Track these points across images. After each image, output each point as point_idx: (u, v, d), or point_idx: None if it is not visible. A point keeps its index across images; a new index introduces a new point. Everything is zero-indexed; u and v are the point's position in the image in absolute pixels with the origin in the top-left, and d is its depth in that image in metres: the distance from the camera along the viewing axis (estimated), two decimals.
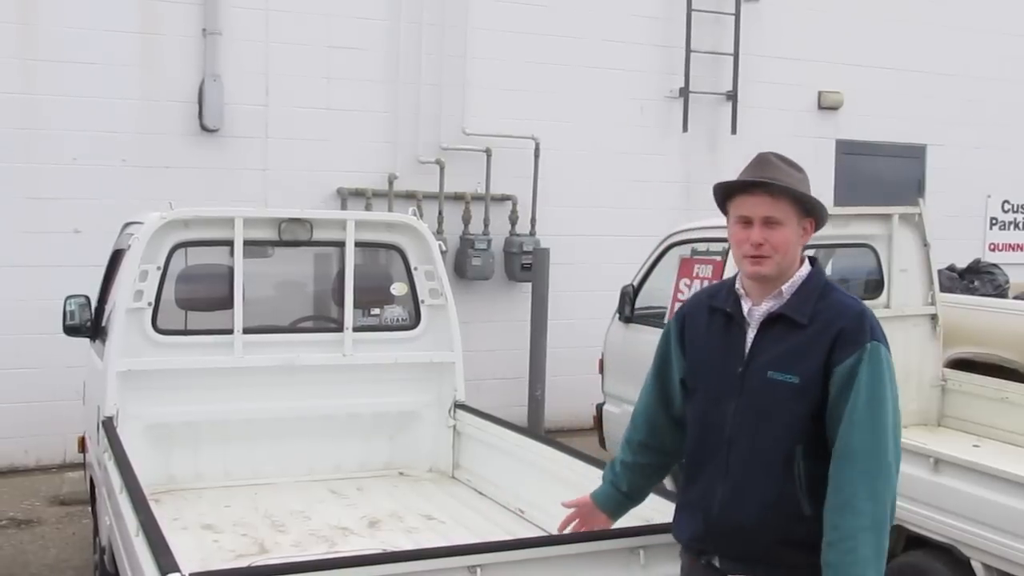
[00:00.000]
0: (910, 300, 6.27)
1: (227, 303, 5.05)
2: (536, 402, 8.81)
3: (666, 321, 6.41)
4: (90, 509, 5.80)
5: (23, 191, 8.13)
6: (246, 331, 5.06)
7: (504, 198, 9.55)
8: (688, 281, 6.34)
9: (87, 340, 5.70)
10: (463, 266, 9.28)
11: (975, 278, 8.63)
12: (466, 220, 9.33)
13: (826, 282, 2.83)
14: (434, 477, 5.31)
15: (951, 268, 8.71)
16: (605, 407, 7.17)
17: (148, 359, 4.91)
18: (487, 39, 9.46)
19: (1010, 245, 12.07)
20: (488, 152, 9.36)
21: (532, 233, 9.54)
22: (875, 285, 6.27)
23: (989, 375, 6.29)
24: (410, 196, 9.01)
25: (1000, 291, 8.44)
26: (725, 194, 2.85)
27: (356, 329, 5.26)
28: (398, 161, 9.21)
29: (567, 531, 3.22)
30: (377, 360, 5.29)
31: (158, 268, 4.90)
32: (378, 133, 9.18)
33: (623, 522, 3.22)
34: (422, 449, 5.38)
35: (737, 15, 10.35)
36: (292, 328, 5.54)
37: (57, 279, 7.44)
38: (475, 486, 5.12)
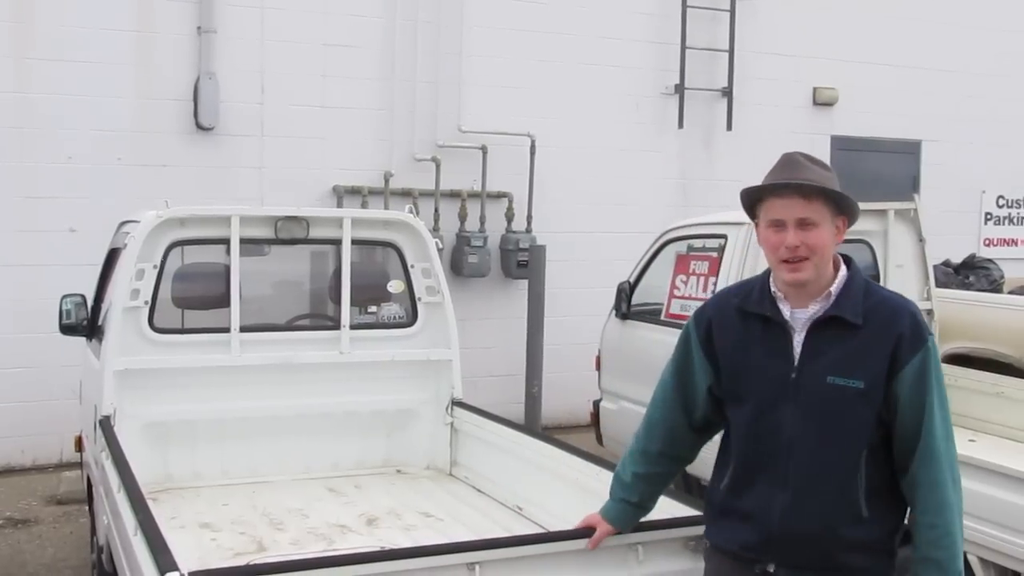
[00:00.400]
0: (906, 295, 6.26)
1: (224, 301, 5.04)
2: (533, 399, 8.81)
3: (663, 317, 6.45)
4: (87, 508, 5.80)
5: (18, 190, 8.12)
6: (243, 329, 5.05)
7: (500, 195, 9.55)
8: (684, 277, 6.35)
9: (83, 339, 5.70)
10: (459, 263, 9.28)
11: (970, 273, 8.66)
12: (462, 217, 9.33)
13: (865, 279, 2.82)
14: (432, 474, 5.31)
15: (946, 263, 8.73)
16: (602, 403, 7.18)
17: (145, 358, 4.90)
18: (483, 36, 9.46)
19: (1005, 240, 12.09)
20: (484, 149, 9.36)
21: (528, 230, 9.54)
22: None
23: (985, 370, 6.30)
24: (406, 194, 9.01)
25: (995, 286, 8.46)
26: (754, 198, 2.79)
27: (353, 327, 5.26)
28: (394, 159, 9.21)
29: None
30: (374, 358, 5.28)
31: (154, 267, 4.89)
32: (374, 131, 9.17)
33: None
34: (420, 446, 5.37)
35: (732, 11, 10.35)
36: (289, 326, 5.53)
37: (53, 278, 7.45)
38: (473, 483, 5.11)
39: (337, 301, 5.28)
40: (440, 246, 5.50)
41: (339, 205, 8.87)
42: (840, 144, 11.02)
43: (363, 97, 9.11)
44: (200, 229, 5.02)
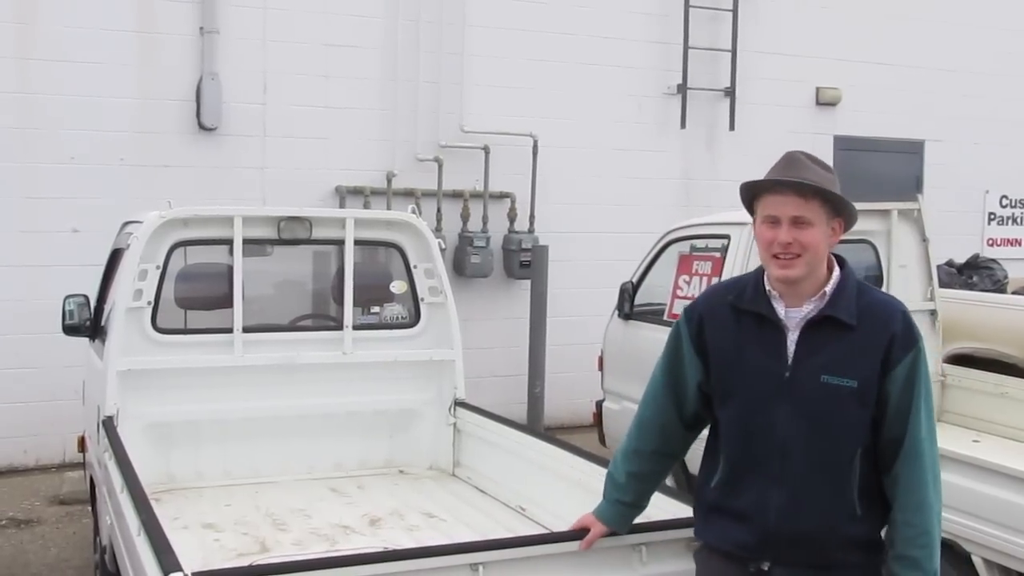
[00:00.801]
0: (909, 296, 6.25)
1: (227, 302, 5.05)
2: (536, 399, 8.82)
3: (666, 318, 6.44)
4: (90, 508, 5.80)
5: (21, 190, 8.12)
6: (246, 330, 5.05)
7: (502, 195, 9.55)
8: (687, 277, 6.34)
9: (86, 340, 5.70)
10: (462, 264, 9.28)
11: (974, 273, 8.64)
12: (465, 218, 9.33)
13: (858, 280, 2.83)
14: (435, 475, 5.31)
15: (950, 263, 8.71)
16: (605, 404, 7.17)
17: (148, 358, 4.90)
18: (485, 36, 9.46)
19: (1008, 240, 12.07)
20: (486, 149, 9.36)
21: (531, 230, 9.54)
22: (874, 281, 6.25)
23: (989, 370, 6.29)
24: (408, 194, 9.01)
25: (999, 286, 8.44)
26: (752, 193, 2.81)
27: (356, 327, 5.26)
28: (396, 159, 9.21)
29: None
30: (377, 358, 5.28)
31: (157, 267, 4.90)
32: (376, 131, 9.17)
33: None
34: (423, 447, 5.38)
35: (735, 11, 10.35)
36: (292, 327, 5.54)
37: (56, 279, 7.45)
38: (476, 484, 5.11)
39: (340, 301, 5.28)
40: (443, 246, 5.50)
41: (341, 205, 8.87)
42: (843, 144, 11.00)
43: (365, 97, 9.12)
44: (203, 229, 5.02)
